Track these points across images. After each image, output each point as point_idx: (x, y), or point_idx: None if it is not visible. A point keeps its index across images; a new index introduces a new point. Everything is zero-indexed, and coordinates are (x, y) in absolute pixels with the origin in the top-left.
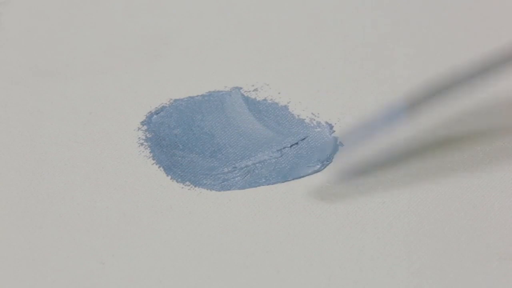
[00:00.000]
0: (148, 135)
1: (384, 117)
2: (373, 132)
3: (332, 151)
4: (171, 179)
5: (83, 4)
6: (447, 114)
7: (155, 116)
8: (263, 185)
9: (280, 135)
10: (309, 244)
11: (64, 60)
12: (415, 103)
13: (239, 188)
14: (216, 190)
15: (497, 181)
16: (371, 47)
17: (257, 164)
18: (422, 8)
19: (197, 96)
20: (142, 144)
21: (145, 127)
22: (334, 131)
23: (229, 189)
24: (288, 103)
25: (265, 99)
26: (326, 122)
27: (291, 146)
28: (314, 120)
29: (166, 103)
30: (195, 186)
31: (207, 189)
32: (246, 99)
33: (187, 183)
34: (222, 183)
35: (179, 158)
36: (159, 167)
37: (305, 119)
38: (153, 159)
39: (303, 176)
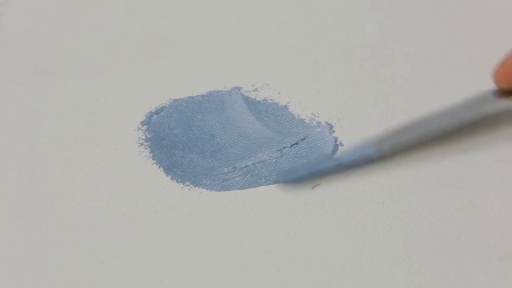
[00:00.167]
0: (148, 135)
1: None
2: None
3: (332, 151)
4: (171, 179)
5: (83, 4)
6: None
7: (155, 116)
8: (263, 185)
9: (280, 135)
10: (309, 244)
11: (64, 60)
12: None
13: (239, 188)
14: (216, 190)
15: (497, 181)
16: (371, 47)
17: (257, 164)
18: (422, 8)
19: (197, 96)
20: (142, 144)
21: (145, 127)
22: (334, 131)
23: (229, 189)
24: (288, 103)
25: (265, 99)
26: (326, 122)
27: (291, 146)
28: (314, 120)
29: (166, 103)
30: (195, 186)
31: (207, 189)
32: (246, 99)
33: (187, 183)
34: (222, 183)
35: (179, 158)
36: (159, 167)
37: (305, 119)
38: (153, 159)
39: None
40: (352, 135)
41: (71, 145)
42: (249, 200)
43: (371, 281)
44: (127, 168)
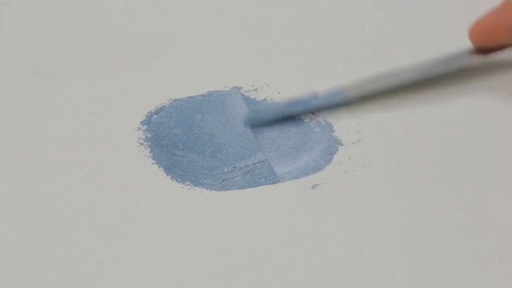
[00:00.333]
0: (148, 135)
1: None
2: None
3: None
4: (171, 179)
5: (83, 4)
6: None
7: (155, 116)
8: (263, 185)
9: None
10: (309, 244)
11: (64, 60)
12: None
13: (239, 188)
14: (216, 190)
15: (497, 181)
16: (371, 47)
17: (257, 164)
18: (422, 8)
19: (197, 96)
20: (142, 144)
21: (145, 127)
22: (334, 131)
23: (229, 189)
24: None
25: (265, 99)
26: (326, 122)
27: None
28: (314, 120)
29: (166, 103)
30: (195, 186)
31: (207, 189)
32: (246, 99)
33: (187, 183)
34: (222, 183)
35: (179, 158)
36: (159, 167)
37: (305, 119)
38: (153, 159)
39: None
40: (352, 135)
41: (71, 145)
42: (249, 200)
43: (371, 281)
44: (127, 168)
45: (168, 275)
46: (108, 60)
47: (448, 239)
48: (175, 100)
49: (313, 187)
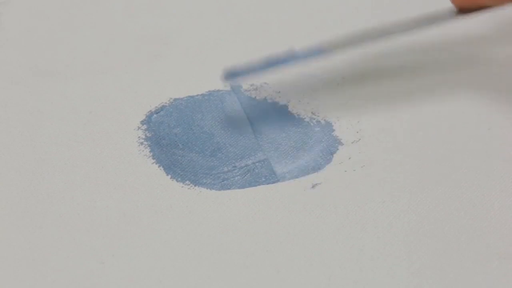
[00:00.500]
0: (148, 134)
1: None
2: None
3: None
4: (171, 178)
5: (83, 4)
6: (446, 113)
7: (155, 115)
8: (263, 184)
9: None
10: (309, 244)
11: (64, 60)
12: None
13: (239, 188)
14: (216, 190)
15: (497, 180)
16: (371, 47)
17: (257, 164)
18: (422, 8)
19: (197, 95)
20: (142, 143)
21: (145, 127)
22: (334, 130)
23: (229, 188)
24: (288, 102)
25: (264, 99)
26: (326, 122)
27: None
28: (314, 119)
29: (166, 102)
30: (195, 185)
31: (207, 188)
32: (246, 99)
33: (187, 182)
34: (222, 182)
35: (179, 157)
36: (159, 166)
37: (304, 118)
38: (153, 158)
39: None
40: (352, 135)
41: (71, 145)
42: (249, 200)
43: (371, 281)
44: (127, 167)
45: (168, 275)
46: (108, 60)
47: (448, 239)
48: (175, 99)
49: (313, 187)
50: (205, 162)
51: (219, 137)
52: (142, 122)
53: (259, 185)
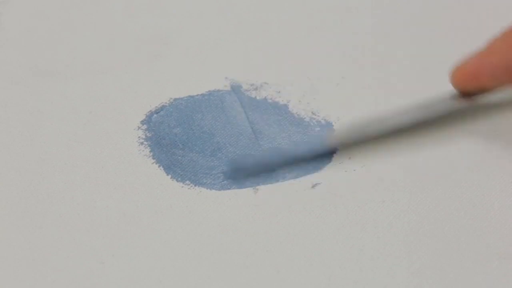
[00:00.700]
0: (148, 134)
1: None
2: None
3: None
4: (171, 178)
5: (83, 4)
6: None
7: (155, 115)
8: (263, 184)
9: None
10: (309, 244)
11: (64, 60)
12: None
13: (239, 188)
14: (216, 189)
15: (497, 180)
16: (371, 47)
17: None
18: (422, 8)
19: (197, 95)
20: (142, 143)
21: (145, 126)
22: (334, 130)
23: (229, 189)
24: (288, 102)
25: (265, 98)
26: (326, 121)
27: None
28: (314, 119)
29: (166, 102)
30: (195, 185)
31: (207, 188)
32: (246, 98)
33: (187, 182)
34: (222, 182)
35: (179, 157)
36: (159, 166)
37: (305, 118)
38: (153, 158)
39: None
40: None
41: (71, 145)
42: (249, 199)
43: (371, 281)
44: (127, 167)
45: (168, 275)
46: (108, 60)
47: (448, 239)
48: (175, 99)
49: (313, 187)
50: (205, 162)
51: (219, 137)
52: (142, 122)
53: (259, 185)
